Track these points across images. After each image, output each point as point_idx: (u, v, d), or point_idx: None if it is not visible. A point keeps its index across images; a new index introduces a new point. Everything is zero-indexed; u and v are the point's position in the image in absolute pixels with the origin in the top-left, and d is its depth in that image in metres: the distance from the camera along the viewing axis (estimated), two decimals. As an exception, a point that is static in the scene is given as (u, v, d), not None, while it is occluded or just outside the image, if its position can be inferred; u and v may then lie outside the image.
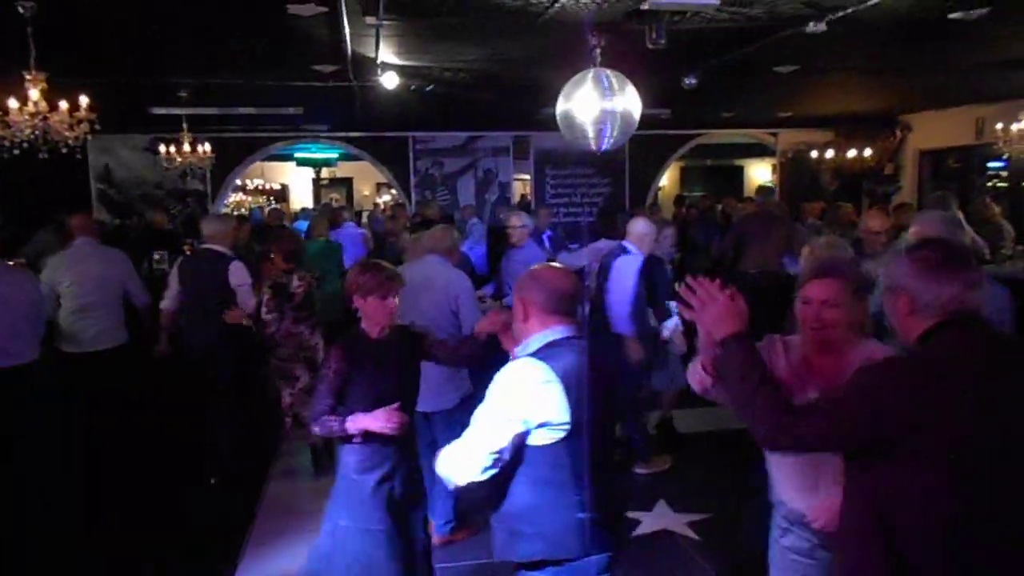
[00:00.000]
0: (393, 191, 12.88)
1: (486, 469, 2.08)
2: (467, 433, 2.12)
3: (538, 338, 2.20)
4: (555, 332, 2.20)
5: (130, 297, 5.21)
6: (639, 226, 4.87)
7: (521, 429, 2.08)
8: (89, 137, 5.17)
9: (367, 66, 5.95)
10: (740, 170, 17.21)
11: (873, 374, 1.75)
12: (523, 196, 12.49)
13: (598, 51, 4.30)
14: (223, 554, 3.97)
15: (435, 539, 3.81)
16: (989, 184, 10.66)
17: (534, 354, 2.17)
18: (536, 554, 2.14)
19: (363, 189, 17.59)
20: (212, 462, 4.97)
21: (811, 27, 4.64)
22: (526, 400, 2.08)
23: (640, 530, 4.04)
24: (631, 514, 4.17)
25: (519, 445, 2.10)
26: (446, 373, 3.66)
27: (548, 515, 2.12)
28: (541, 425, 2.09)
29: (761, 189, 9.46)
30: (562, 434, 2.10)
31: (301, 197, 17.60)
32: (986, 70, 6.95)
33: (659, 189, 13.77)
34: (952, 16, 4.72)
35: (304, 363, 4.89)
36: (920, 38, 5.50)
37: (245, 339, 4.91)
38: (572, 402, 2.09)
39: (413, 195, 11.71)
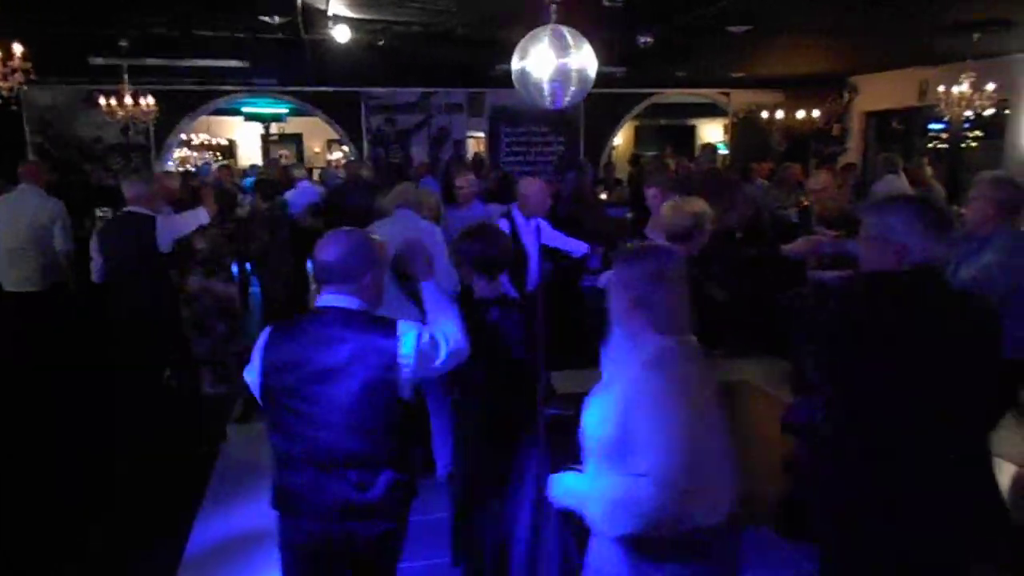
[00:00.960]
0: (345, 148, 12.66)
1: None
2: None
3: None
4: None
5: (52, 240, 5.32)
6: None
7: None
8: (24, 88, 4.96)
9: (318, 18, 5.81)
10: (693, 130, 17.36)
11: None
12: (476, 154, 12.41)
13: (554, 8, 4.27)
14: (177, 516, 3.94)
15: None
16: (930, 145, 10.99)
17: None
18: None
19: (314, 146, 17.23)
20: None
21: (764, -13, 4.69)
22: None
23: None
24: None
25: None
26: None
27: None
28: None
29: (706, 147, 9.47)
30: None
31: (249, 153, 17.16)
32: (930, 33, 7.11)
33: (613, 148, 13.83)
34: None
35: (221, 315, 5.03)
36: (868, 0, 5.60)
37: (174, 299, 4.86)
38: None
39: (365, 152, 11.53)
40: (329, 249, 2.18)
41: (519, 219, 4.73)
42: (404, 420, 2.20)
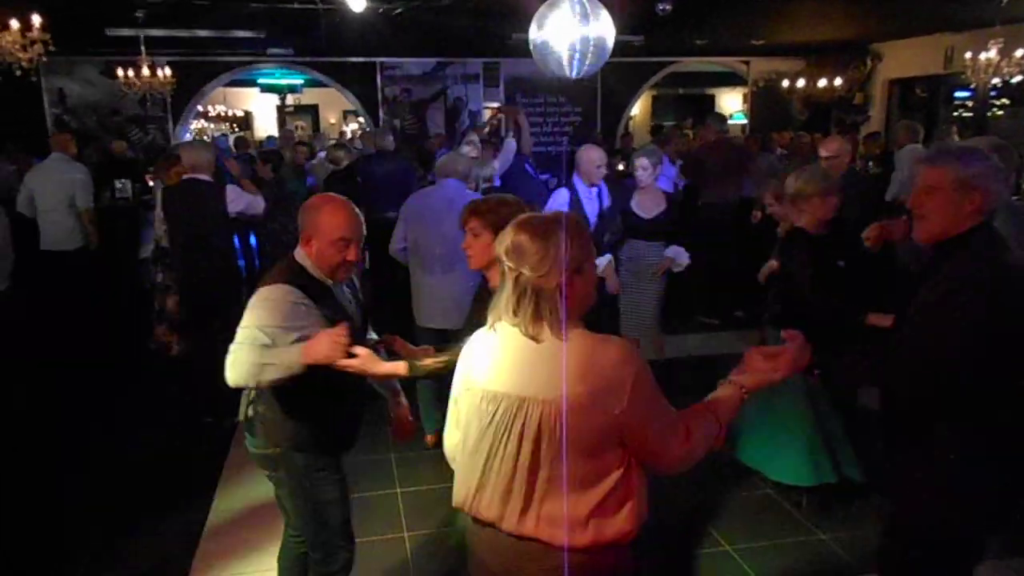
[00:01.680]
0: (360, 119, 12.62)
1: None
2: None
3: None
4: None
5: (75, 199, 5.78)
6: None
7: None
8: (44, 59, 4.97)
9: (333, -13, 5.76)
10: (712, 99, 17.12)
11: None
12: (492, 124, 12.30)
13: (572, -26, 4.21)
14: (199, 485, 4.01)
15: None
16: (955, 114, 10.78)
17: None
18: None
19: (329, 117, 17.19)
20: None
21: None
22: None
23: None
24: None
25: None
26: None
27: None
28: None
29: (715, 117, 9.06)
30: None
31: (265, 125, 17.16)
32: (957, -2, 6.95)
33: (631, 118, 13.68)
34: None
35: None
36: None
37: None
38: None
39: (381, 123, 11.49)
40: None
41: (580, 188, 4.70)
42: None
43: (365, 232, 2.35)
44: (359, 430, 2.52)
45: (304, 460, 2.34)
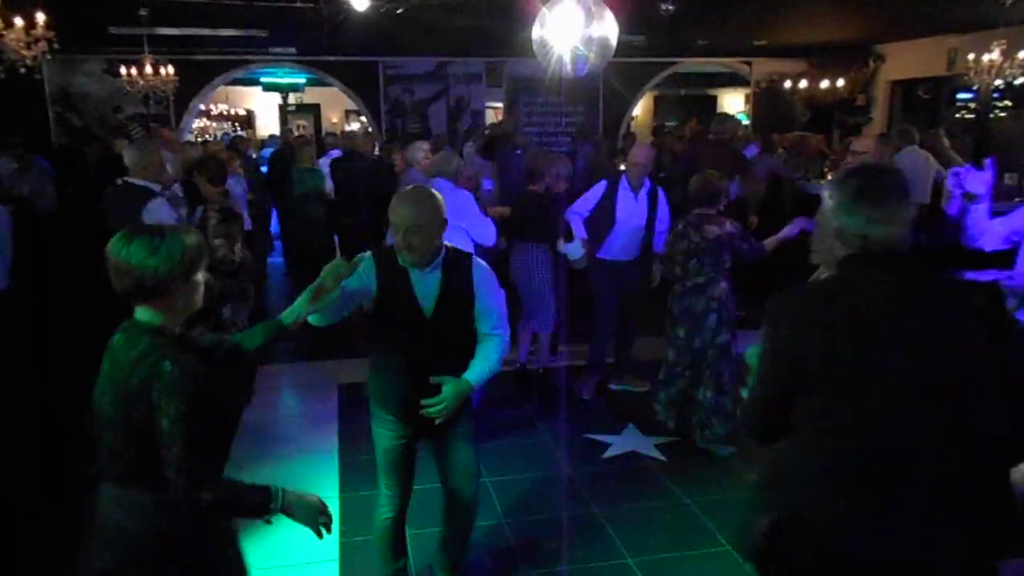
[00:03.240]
0: (363, 118, 12.62)
1: None
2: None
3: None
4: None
5: None
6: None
7: None
8: (48, 57, 4.98)
9: (336, -14, 5.77)
10: (714, 100, 17.12)
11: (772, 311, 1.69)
12: (493, 124, 12.32)
13: (576, -26, 4.21)
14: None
15: None
16: (957, 116, 10.77)
17: None
18: None
19: (331, 116, 17.20)
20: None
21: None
22: None
23: (609, 452, 4.19)
24: (601, 437, 4.34)
25: None
26: None
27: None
28: None
29: (720, 117, 8.97)
30: None
31: (267, 124, 17.17)
32: (961, -1, 6.95)
33: (633, 118, 13.67)
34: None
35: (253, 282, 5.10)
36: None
37: None
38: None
39: (384, 123, 11.49)
40: None
41: (624, 187, 4.70)
42: None
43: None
44: None
45: None
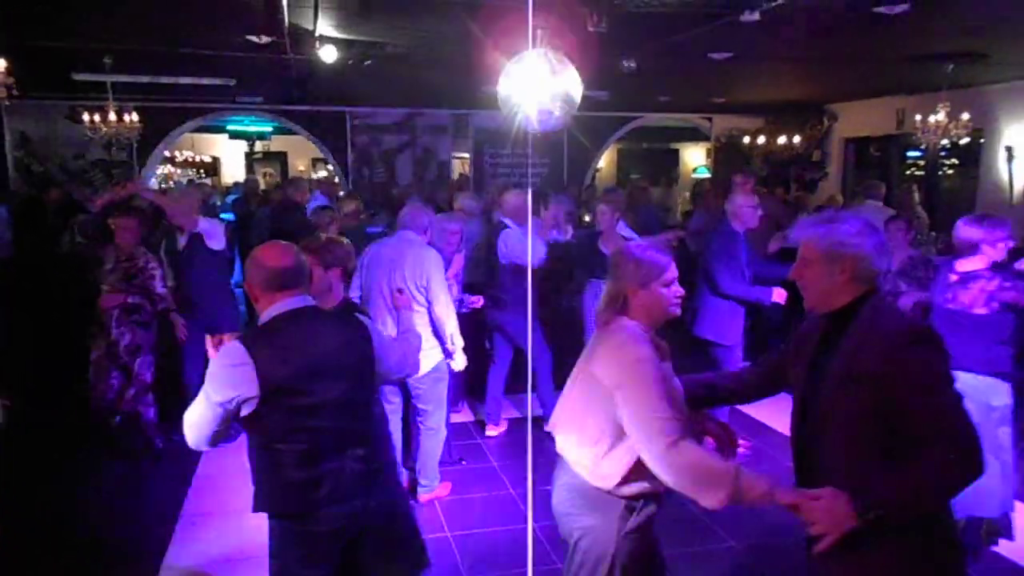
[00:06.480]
0: (329, 167, 12.65)
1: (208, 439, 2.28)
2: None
3: (266, 314, 2.34)
4: (283, 305, 2.33)
5: None
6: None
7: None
8: (7, 103, 4.92)
9: (305, 39, 5.82)
10: (676, 153, 17.55)
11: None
12: (461, 175, 12.45)
13: (540, 32, 4.31)
14: (152, 538, 3.89)
15: (421, 497, 4.19)
16: (908, 172, 11.18)
17: (260, 327, 2.32)
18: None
19: (298, 164, 17.21)
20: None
21: (746, 16, 4.77)
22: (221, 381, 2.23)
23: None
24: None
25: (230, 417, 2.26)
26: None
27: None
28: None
29: (699, 183, 9.31)
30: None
31: (233, 171, 17.10)
32: (907, 63, 7.27)
33: (597, 170, 13.93)
34: (876, 9, 4.92)
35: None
36: (847, 30, 5.71)
37: None
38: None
39: (350, 172, 11.53)
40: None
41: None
42: None
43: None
44: None
45: None
